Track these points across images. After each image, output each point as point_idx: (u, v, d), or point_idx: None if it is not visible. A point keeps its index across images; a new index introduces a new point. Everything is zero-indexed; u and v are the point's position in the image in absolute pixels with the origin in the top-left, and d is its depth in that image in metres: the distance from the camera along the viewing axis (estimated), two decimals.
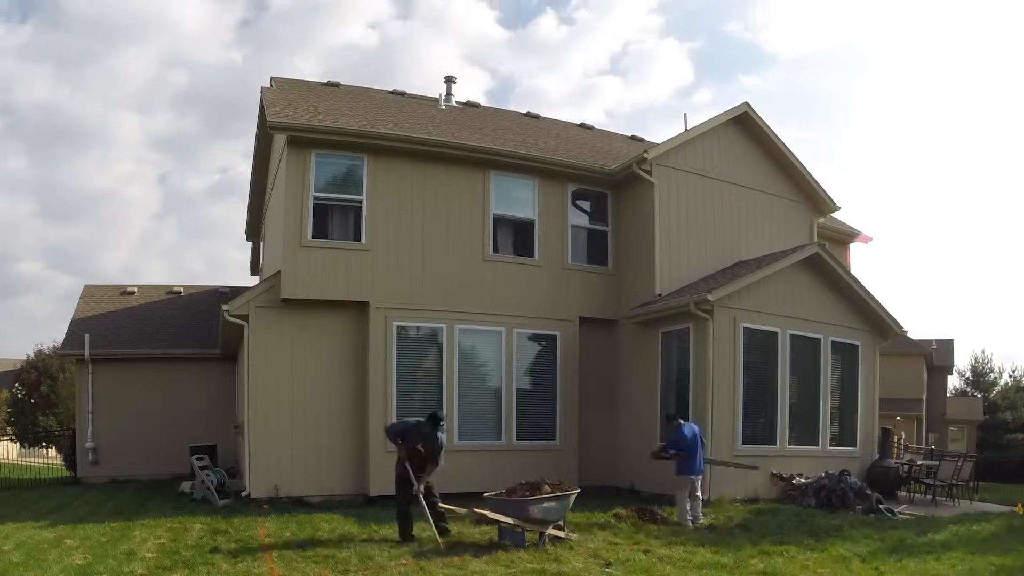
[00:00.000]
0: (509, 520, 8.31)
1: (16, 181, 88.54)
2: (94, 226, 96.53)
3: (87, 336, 16.97)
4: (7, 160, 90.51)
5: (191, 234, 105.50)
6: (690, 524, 9.86)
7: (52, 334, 49.95)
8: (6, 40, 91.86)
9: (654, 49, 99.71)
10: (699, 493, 10.21)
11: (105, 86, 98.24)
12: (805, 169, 15.02)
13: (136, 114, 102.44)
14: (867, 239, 17.92)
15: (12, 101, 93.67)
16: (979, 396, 38.91)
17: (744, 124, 14.60)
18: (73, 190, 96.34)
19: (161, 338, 17.83)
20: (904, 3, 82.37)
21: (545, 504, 8.44)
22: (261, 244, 19.49)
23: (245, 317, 12.06)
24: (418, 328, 12.89)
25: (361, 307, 12.48)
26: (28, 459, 24.14)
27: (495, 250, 13.53)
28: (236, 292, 16.17)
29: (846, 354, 13.87)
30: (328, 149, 12.44)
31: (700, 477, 10.21)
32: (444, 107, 16.59)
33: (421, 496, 8.73)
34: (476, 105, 17.94)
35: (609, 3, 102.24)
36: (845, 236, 17.70)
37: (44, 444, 26.88)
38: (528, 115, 18.42)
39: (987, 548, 8.80)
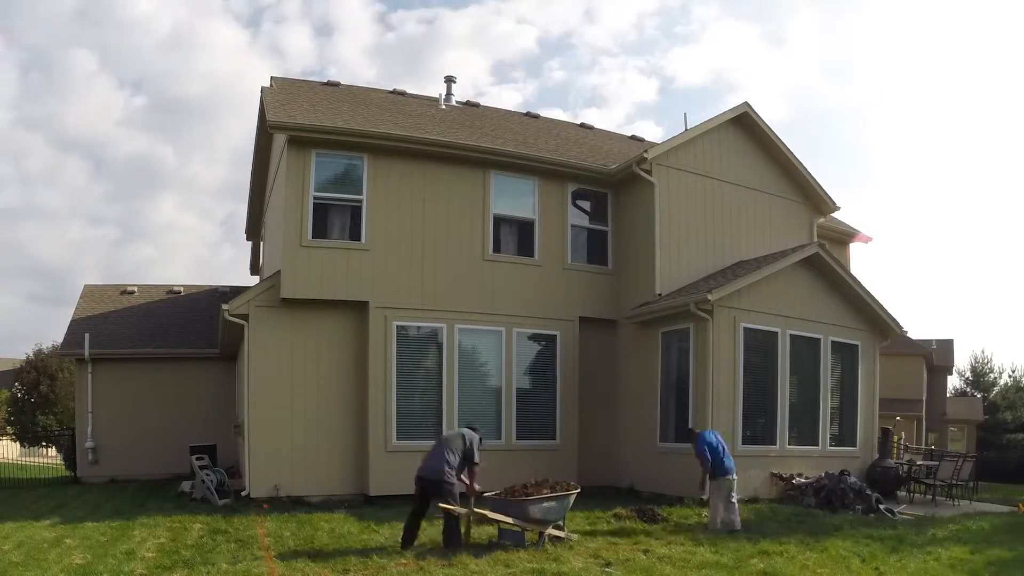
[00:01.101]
0: (509, 520, 8.31)
1: (96, 212, 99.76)
2: (155, 250, 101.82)
3: (87, 336, 16.96)
4: (90, 195, 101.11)
5: (237, 253, 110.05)
6: (719, 526, 9.57)
7: None
8: (118, 111, 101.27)
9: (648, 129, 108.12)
10: (735, 496, 9.81)
11: (196, 147, 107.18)
12: (805, 169, 15.01)
13: (217, 166, 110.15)
14: (867, 239, 17.93)
15: (106, 154, 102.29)
16: (979, 396, 38.90)
17: (744, 124, 14.60)
18: (144, 222, 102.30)
19: (161, 338, 17.81)
20: (902, 7, 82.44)
21: (545, 504, 8.43)
22: (261, 244, 19.49)
23: (245, 317, 12.06)
24: (418, 328, 12.88)
25: (361, 307, 12.48)
26: (28, 459, 24.11)
27: (495, 250, 13.53)
28: (236, 292, 16.15)
29: (846, 354, 13.87)
30: (328, 149, 12.44)
31: (735, 478, 9.84)
32: (444, 107, 16.57)
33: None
34: (476, 105, 17.92)
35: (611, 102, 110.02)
36: (845, 236, 17.70)
37: (44, 444, 26.81)
38: (528, 115, 18.41)
39: (987, 548, 8.81)
